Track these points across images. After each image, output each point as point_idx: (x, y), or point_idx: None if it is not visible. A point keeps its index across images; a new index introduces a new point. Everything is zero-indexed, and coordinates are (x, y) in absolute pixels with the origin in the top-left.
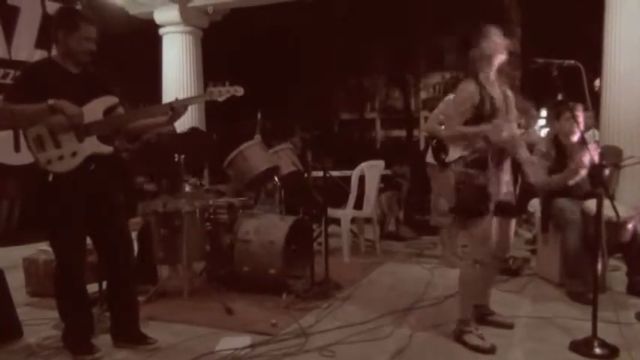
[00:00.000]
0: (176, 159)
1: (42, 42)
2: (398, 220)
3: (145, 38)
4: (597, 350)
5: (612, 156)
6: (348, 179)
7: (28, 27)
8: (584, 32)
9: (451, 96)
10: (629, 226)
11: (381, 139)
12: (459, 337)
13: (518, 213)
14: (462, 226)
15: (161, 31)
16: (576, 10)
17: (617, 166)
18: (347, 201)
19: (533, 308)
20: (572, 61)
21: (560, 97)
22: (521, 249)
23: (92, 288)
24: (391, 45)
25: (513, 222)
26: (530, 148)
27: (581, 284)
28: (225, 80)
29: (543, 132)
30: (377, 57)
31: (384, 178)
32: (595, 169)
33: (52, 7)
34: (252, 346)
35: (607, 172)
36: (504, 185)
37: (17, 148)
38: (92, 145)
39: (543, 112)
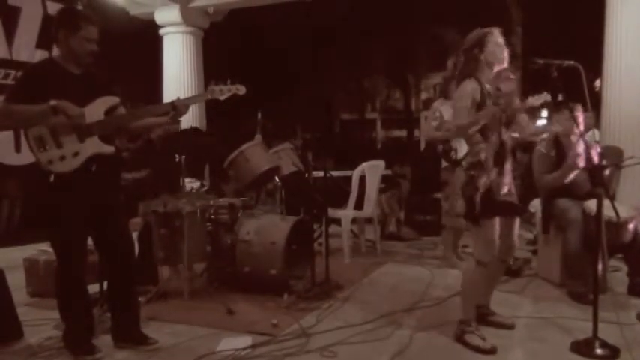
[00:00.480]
0: (177, 159)
1: (43, 42)
2: (399, 221)
3: (145, 39)
4: (598, 351)
5: (613, 156)
6: (348, 179)
7: (29, 27)
8: (584, 32)
9: (436, 102)
10: (630, 226)
11: (381, 139)
12: (459, 338)
13: (522, 213)
14: (467, 228)
15: (162, 31)
16: (577, 10)
17: (617, 167)
18: (348, 201)
19: (534, 308)
20: (571, 62)
21: (560, 97)
22: (522, 249)
23: (93, 288)
24: (392, 45)
25: (517, 222)
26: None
27: (581, 285)
28: (227, 79)
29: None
30: (377, 57)
31: (384, 179)
32: (595, 170)
33: (53, 8)
34: (253, 346)
35: (607, 172)
36: (506, 186)
37: (18, 149)
38: (94, 146)
39: (544, 113)
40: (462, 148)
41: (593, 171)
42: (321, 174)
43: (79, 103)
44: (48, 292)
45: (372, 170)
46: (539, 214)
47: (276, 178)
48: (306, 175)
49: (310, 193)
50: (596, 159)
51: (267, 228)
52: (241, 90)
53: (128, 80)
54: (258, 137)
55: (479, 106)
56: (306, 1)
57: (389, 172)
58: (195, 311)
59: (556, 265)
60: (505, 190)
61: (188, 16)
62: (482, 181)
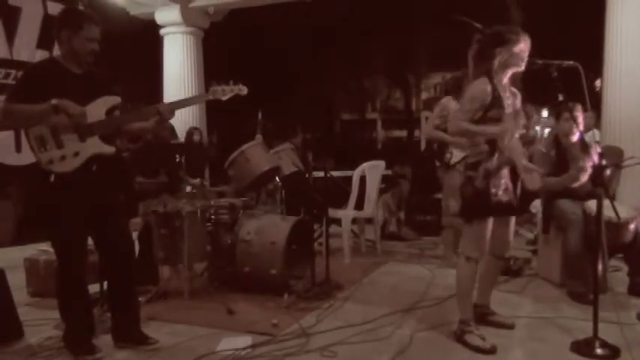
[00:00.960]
0: (177, 159)
1: (43, 42)
2: (399, 221)
3: (146, 39)
4: (598, 351)
5: (613, 156)
6: (349, 179)
7: (29, 27)
8: (584, 32)
9: (444, 100)
10: (631, 226)
11: (382, 139)
12: (459, 338)
13: (518, 212)
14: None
15: (162, 31)
16: (577, 10)
17: (618, 167)
18: (348, 201)
19: (534, 308)
20: (571, 62)
21: (560, 97)
22: (522, 249)
23: (93, 288)
24: (392, 45)
25: (513, 220)
26: (528, 144)
27: (582, 285)
28: (228, 79)
29: (546, 131)
30: (378, 57)
31: (384, 179)
32: (596, 170)
33: (54, 8)
34: (253, 346)
35: (608, 172)
36: (502, 186)
37: (18, 149)
38: (94, 145)
39: (544, 113)
40: (457, 153)
41: (593, 171)
42: (321, 174)
43: (79, 103)
44: (48, 292)
45: (373, 170)
46: (539, 214)
47: (277, 178)
48: (307, 175)
49: (310, 193)
50: (596, 159)
51: (267, 228)
52: (243, 90)
53: (128, 80)
54: (258, 137)
55: (486, 109)
56: (306, 1)
57: (389, 172)
58: (196, 311)
59: (556, 265)
60: (502, 189)
61: (188, 16)
62: (481, 182)
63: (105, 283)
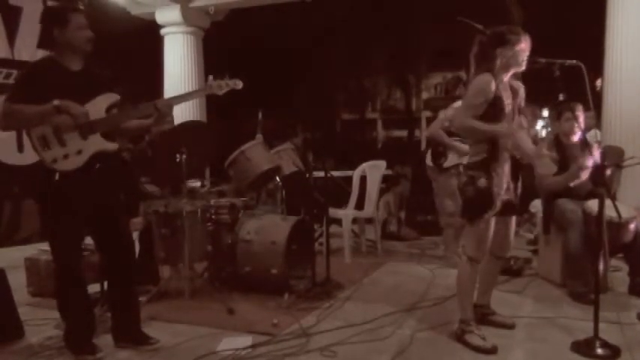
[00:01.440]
0: (177, 159)
1: (44, 42)
2: (399, 221)
3: (146, 38)
4: (599, 350)
5: (614, 156)
6: (349, 179)
7: (30, 27)
8: (585, 32)
9: (459, 102)
10: (631, 226)
11: (382, 139)
12: (460, 338)
13: (519, 212)
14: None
15: (163, 31)
16: (578, 9)
17: (618, 167)
18: (348, 201)
19: (535, 308)
20: (573, 61)
21: (561, 97)
22: (522, 249)
23: (94, 288)
24: (392, 45)
25: (513, 220)
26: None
27: (582, 284)
28: (224, 74)
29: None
30: (378, 57)
31: (385, 178)
32: (597, 170)
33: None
34: (254, 346)
35: (609, 172)
36: (504, 185)
37: (20, 149)
38: (96, 143)
39: (545, 113)
40: (452, 158)
41: (594, 171)
42: (321, 174)
43: (79, 101)
44: (49, 291)
45: (373, 170)
46: (540, 214)
47: (277, 178)
48: (307, 174)
49: (311, 193)
50: (597, 159)
51: (267, 228)
52: (239, 85)
53: (129, 80)
54: (259, 137)
55: (489, 106)
56: (306, 0)
57: (389, 172)
58: (196, 311)
59: (557, 265)
60: (503, 188)
61: (189, 16)
62: (482, 181)
63: (105, 283)
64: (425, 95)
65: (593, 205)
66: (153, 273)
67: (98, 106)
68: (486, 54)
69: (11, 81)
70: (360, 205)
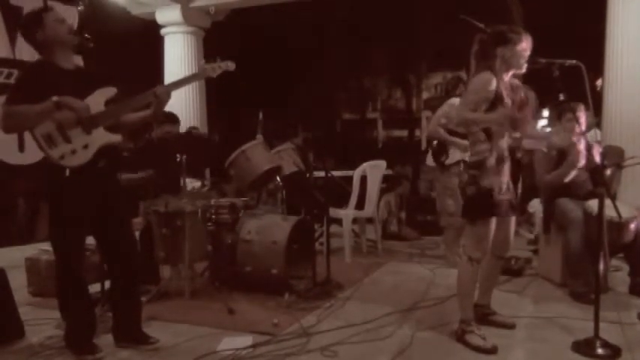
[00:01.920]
0: (177, 159)
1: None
2: (400, 220)
3: (146, 38)
4: (599, 350)
5: (614, 156)
6: (349, 179)
7: None
8: (586, 31)
9: (454, 99)
10: (632, 226)
11: (382, 139)
12: (460, 337)
13: (519, 212)
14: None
15: (163, 31)
16: (578, 9)
17: (619, 166)
18: (349, 201)
19: (535, 308)
20: (573, 61)
21: (562, 97)
22: (523, 249)
23: (94, 288)
24: (393, 45)
25: (513, 220)
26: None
27: (583, 284)
28: (216, 56)
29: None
30: (378, 57)
31: (386, 178)
32: (597, 170)
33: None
34: (254, 346)
35: (609, 172)
36: (504, 185)
37: (22, 148)
38: (101, 136)
39: (545, 113)
40: (454, 155)
41: (594, 171)
42: (322, 174)
43: (77, 97)
44: (49, 291)
45: (373, 170)
46: (539, 214)
47: (278, 178)
48: (308, 174)
49: (311, 193)
50: (597, 158)
51: (268, 228)
52: (231, 66)
53: (129, 80)
54: (259, 137)
55: (490, 103)
56: (306, 0)
57: (390, 171)
58: (196, 311)
59: (557, 265)
60: (503, 188)
61: (189, 16)
62: (483, 181)
63: (106, 283)
64: (425, 95)
65: (593, 205)
66: (153, 273)
67: (97, 101)
68: (487, 52)
69: (12, 80)
70: (360, 205)
